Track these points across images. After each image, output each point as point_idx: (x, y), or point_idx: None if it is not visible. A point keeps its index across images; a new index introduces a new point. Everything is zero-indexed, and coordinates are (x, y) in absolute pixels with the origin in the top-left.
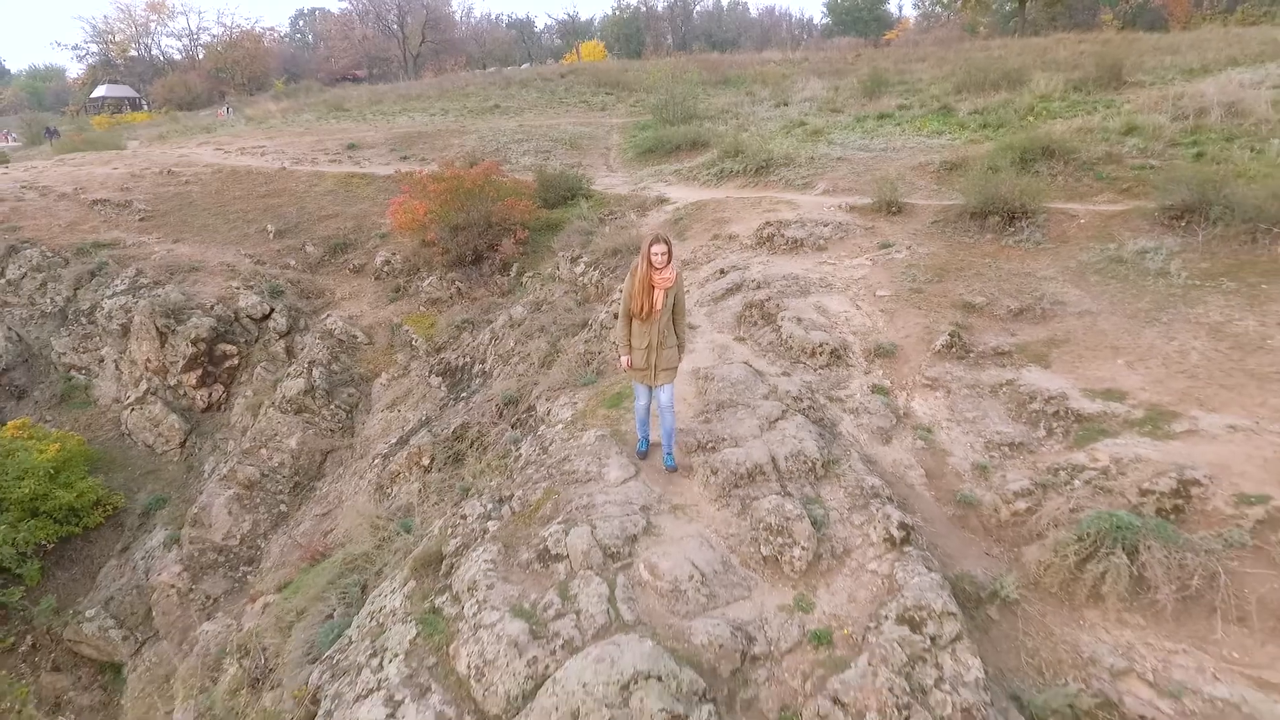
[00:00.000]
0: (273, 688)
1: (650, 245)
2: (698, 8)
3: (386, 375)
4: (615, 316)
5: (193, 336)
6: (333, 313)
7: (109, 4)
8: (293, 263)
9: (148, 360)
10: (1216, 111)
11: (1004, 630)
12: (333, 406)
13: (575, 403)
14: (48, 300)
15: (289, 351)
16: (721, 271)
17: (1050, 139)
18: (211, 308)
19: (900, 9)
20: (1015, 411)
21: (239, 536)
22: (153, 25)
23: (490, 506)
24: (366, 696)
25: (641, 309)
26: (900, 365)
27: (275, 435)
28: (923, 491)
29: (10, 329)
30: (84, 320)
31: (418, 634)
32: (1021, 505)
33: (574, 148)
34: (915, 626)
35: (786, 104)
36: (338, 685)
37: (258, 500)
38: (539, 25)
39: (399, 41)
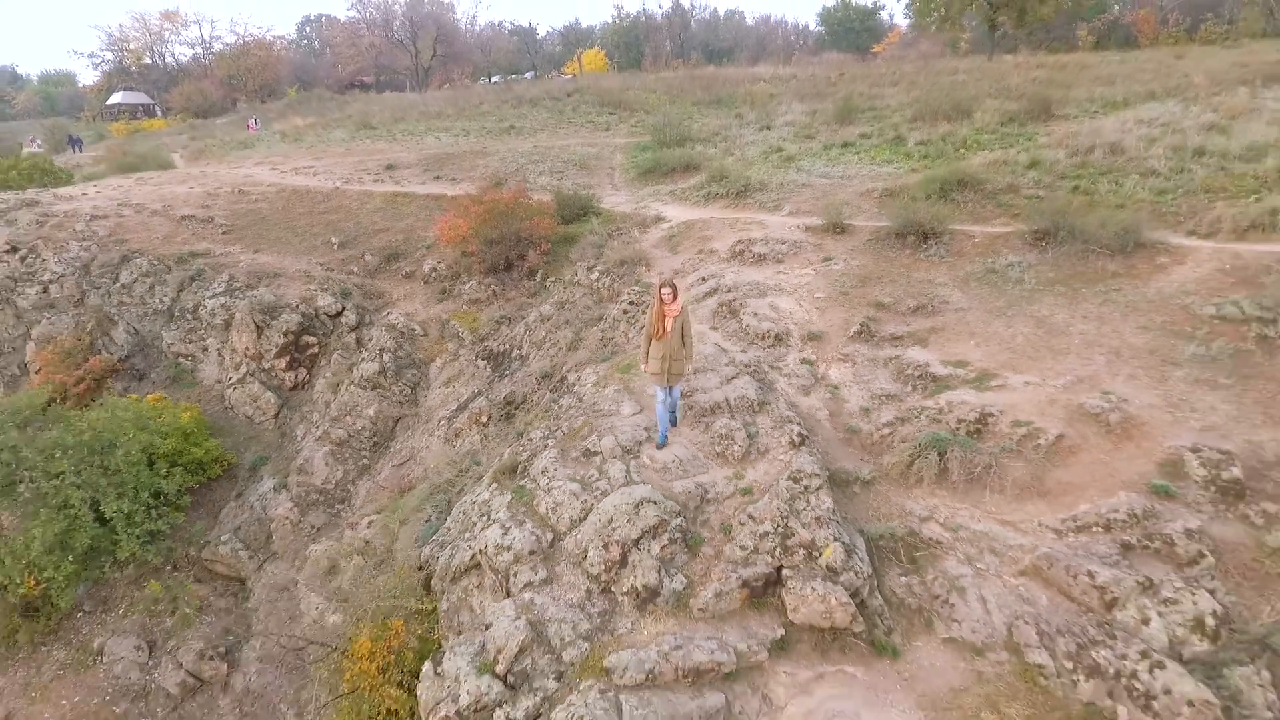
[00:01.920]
0: (385, 572)
1: (660, 288)
2: (696, 16)
3: (440, 360)
4: (625, 313)
5: (284, 329)
6: (393, 310)
7: (124, 13)
8: (355, 269)
9: (246, 348)
10: (1100, 150)
11: (862, 499)
12: (400, 384)
13: (598, 372)
14: (156, 300)
15: (359, 342)
16: (703, 279)
17: (966, 172)
18: (296, 306)
19: (891, 17)
20: (896, 375)
21: (334, 482)
22: (167, 34)
23: (546, 433)
24: (485, 529)
25: (657, 332)
26: (824, 346)
27: (356, 406)
28: (825, 424)
29: (129, 324)
30: (189, 316)
31: (512, 499)
32: (886, 431)
33: (583, 168)
34: (796, 481)
35: (769, 128)
36: (446, 551)
37: (346, 455)
38: (541, 33)
39: (411, 55)
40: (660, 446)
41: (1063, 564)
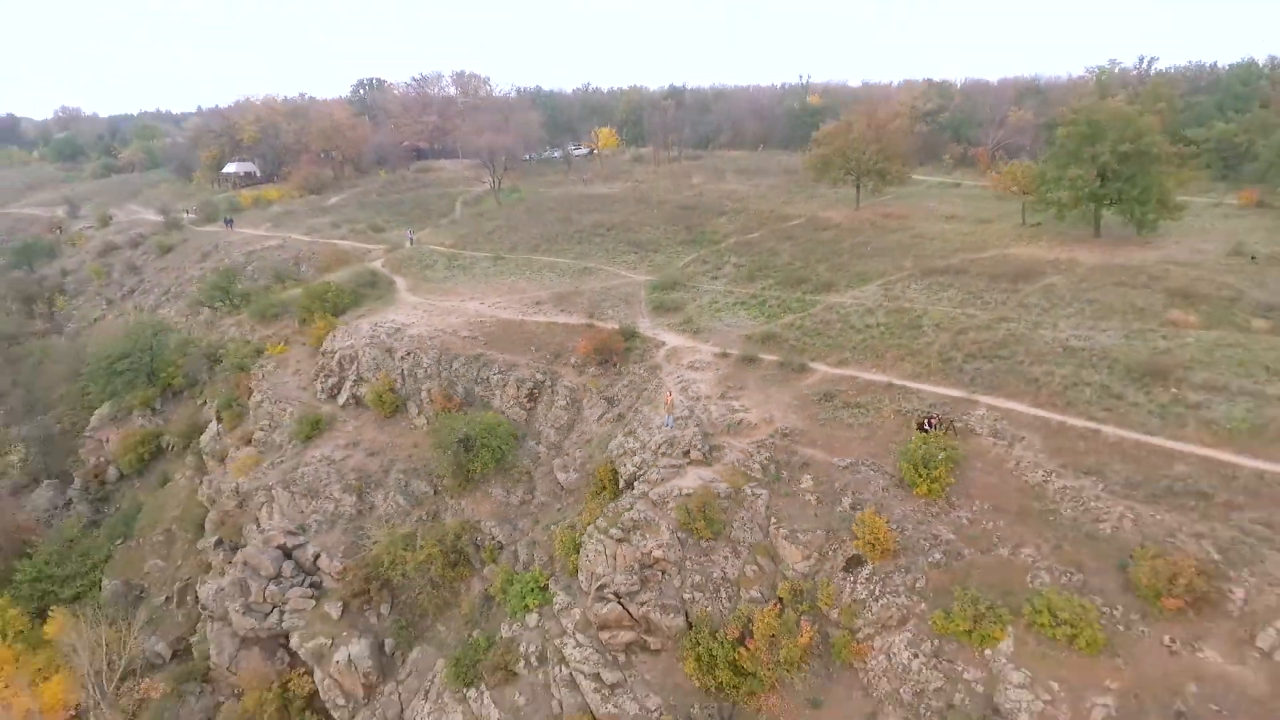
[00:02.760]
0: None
1: (669, 394)
2: (688, 91)
3: (587, 401)
4: (652, 384)
5: (525, 385)
6: (563, 379)
7: (235, 96)
8: (542, 361)
9: (515, 395)
10: (834, 317)
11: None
12: (569, 411)
13: (650, 405)
14: (469, 373)
15: (553, 391)
16: (676, 376)
17: (772, 332)
18: (528, 376)
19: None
20: (726, 411)
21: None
22: (277, 120)
23: (634, 421)
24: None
25: (669, 404)
26: (712, 399)
27: (559, 420)
28: (708, 417)
29: (464, 385)
30: (483, 381)
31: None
32: (719, 418)
33: (626, 302)
34: (695, 427)
35: (717, 276)
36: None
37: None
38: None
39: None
40: (669, 426)
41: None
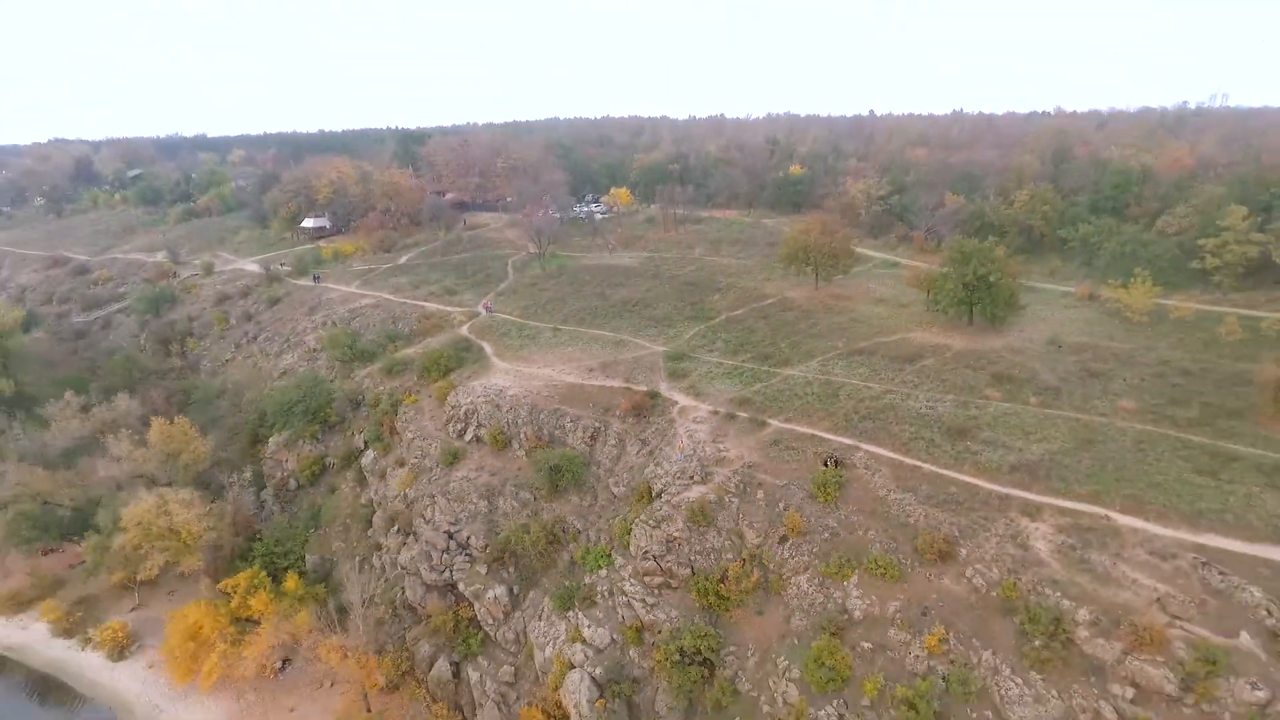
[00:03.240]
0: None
1: (680, 441)
2: (694, 157)
3: (628, 441)
4: (674, 431)
5: (590, 426)
6: (614, 423)
7: (308, 168)
8: (602, 412)
9: (587, 432)
10: (787, 387)
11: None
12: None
13: (671, 445)
14: (557, 425)
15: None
16: (684, 426)
17: (749, 396)
18: (591, 419)
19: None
20: (716, 452)
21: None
22: (347, 182)
23: (664, 443)
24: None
25: (682, 445)
26: (707, 439)
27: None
28: (700, 444)
29: (550, 434)
30: (568, 426)
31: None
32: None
33: (650, 370)
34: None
35: (711, 350)
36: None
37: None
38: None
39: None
40: (681, 459)
41: None
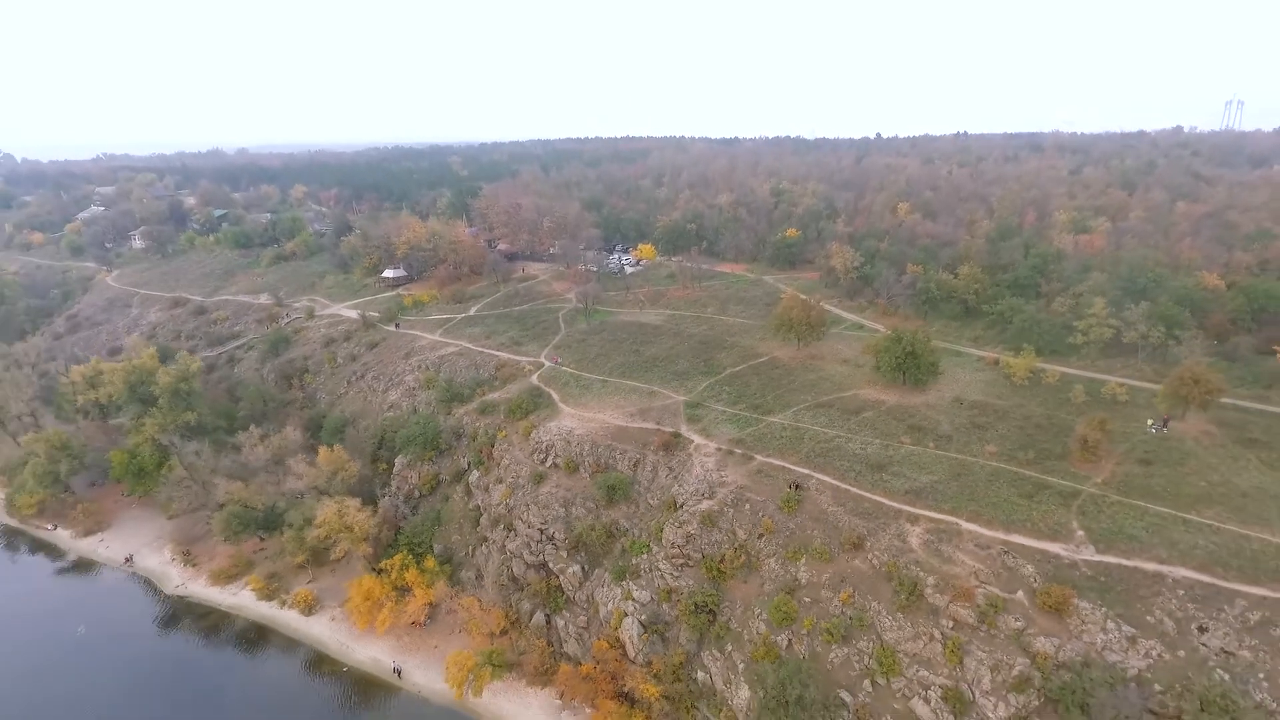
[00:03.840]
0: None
1: (696, 469)
2: (708, 210)
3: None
4: (699, 457)
5: (636, 457)
6: (649, 454)
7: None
8: (646, 451)
9: (649, 457)
10: (772, 432)
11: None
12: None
13: (692, 471)
14: (614, 457)
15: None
16: (697, 459)
17: (744, 440)
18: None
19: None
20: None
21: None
22: (421, 241)
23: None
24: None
25: (695, 474)
26: (711, 468)
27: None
28: (706, 468)
29: (603, 465)
30: (618, 454)
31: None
32: (714, 474)
33: (674, 415)
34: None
35: (718, 400)
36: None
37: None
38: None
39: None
40: (695, 483)
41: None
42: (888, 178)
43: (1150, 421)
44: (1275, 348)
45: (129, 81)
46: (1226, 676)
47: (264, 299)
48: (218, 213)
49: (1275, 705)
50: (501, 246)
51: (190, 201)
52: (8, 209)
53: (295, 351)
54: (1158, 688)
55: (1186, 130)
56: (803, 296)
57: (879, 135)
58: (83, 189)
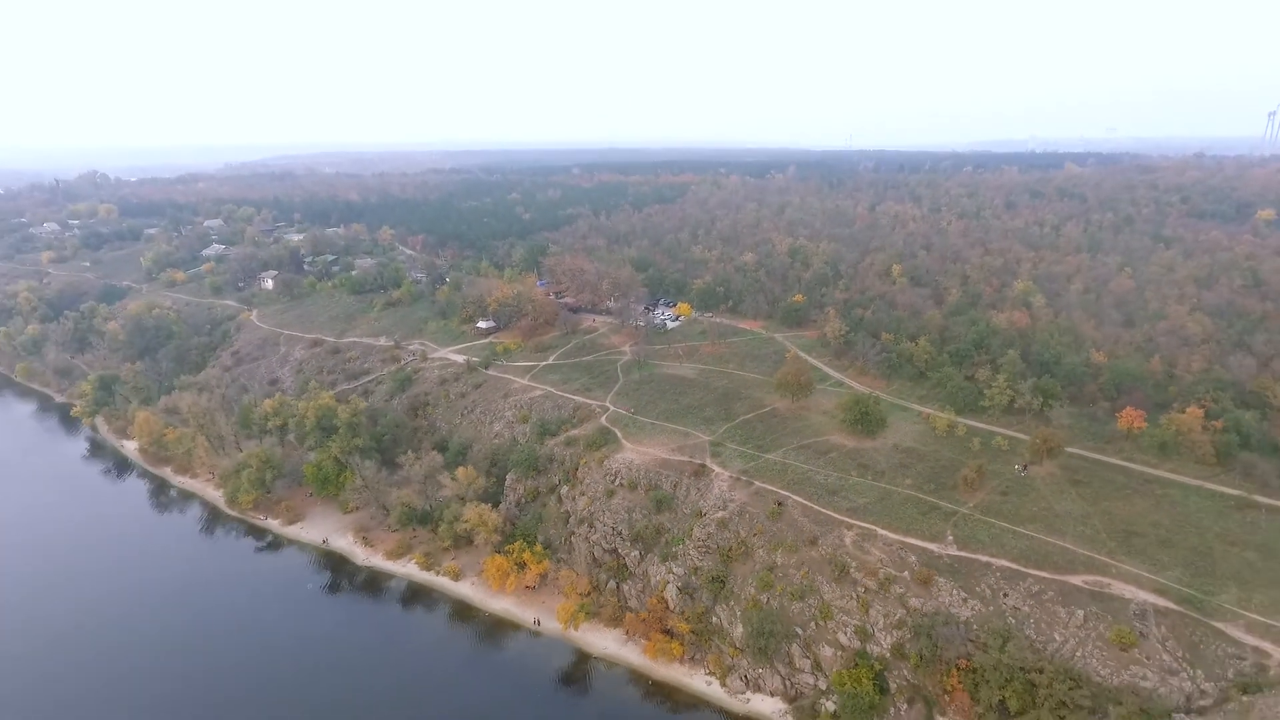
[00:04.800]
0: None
1: (716, 489)
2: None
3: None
4: (725, 479)
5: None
6: (684, 480)
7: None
8: (683, 477)
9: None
10: (770, 464)
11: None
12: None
13: (714, 491)
14: (660, 481)
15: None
16: (716, 484)
17: (750, 466)
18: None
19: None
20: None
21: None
22: (508, 299)
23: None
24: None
25: (716, 494)
26: (725, 491)
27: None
28: (723, 491)
29: (659, 488)
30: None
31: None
32: (727, 494)
33: (703, 450)
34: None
35: (734, 441)
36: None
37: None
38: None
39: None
40: (716, 499)
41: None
42: (891, 235)
43: (1017, 465)
44: (1117, 414)
45: (127, 81)
46: (1014, 621)
47: (383, 341)
48: (329, 258)
49: (1036, 637)
50: (566, 300)
51: (296, 238)
52: (136, 241)
53: (417, 388)
54: (974, 626)
55: (1214, 149)
56: (802, 355)
57: (898, 150)
58: (195, 223)
